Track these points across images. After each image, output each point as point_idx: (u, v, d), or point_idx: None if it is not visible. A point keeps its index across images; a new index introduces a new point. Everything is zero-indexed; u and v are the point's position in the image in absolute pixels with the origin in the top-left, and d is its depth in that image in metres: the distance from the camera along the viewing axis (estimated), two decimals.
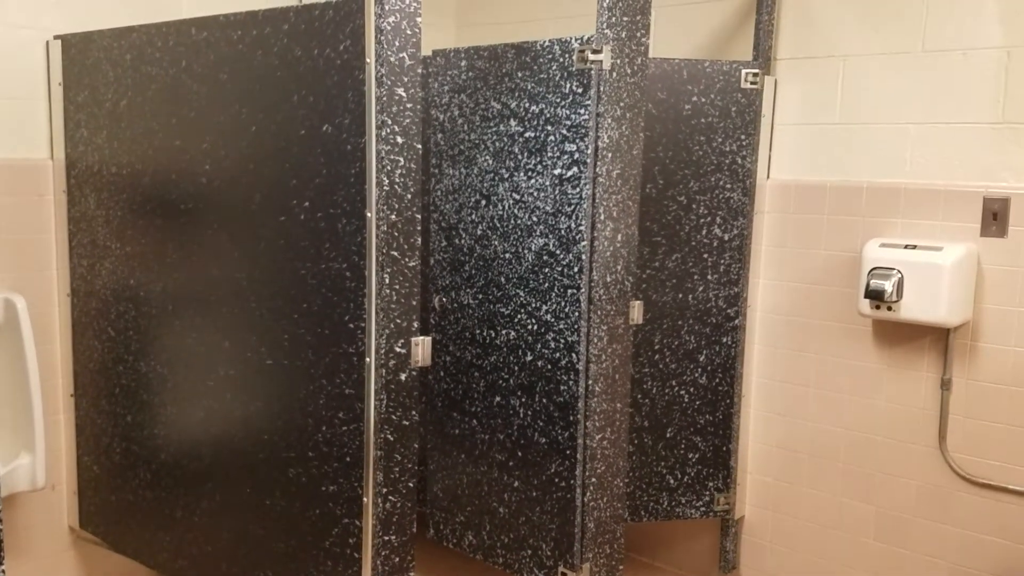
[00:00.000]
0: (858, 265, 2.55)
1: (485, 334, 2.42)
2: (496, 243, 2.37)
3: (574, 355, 2.23)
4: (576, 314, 2.22)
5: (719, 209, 2.71)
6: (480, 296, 2.43)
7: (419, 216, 1.79)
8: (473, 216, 2.43)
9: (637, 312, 2.32)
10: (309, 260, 1.88)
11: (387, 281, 1.75)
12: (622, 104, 2.20)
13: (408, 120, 1.75)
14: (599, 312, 2.22)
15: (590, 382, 2.23)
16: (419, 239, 1.79)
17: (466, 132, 2.44)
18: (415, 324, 1.80)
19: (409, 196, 1.78)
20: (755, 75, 2.68)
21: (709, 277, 2.73)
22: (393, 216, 1.75)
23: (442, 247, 2.53)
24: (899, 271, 2.39)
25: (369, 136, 1.74)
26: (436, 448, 2.59)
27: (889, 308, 2.42)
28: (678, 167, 2.67)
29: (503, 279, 2.37)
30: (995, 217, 2.34)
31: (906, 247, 2.42)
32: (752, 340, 2.84)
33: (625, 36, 2.20)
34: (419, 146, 1.77)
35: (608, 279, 2.23)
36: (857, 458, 2.66)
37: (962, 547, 2.49)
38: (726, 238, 2.72)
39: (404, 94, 1.74)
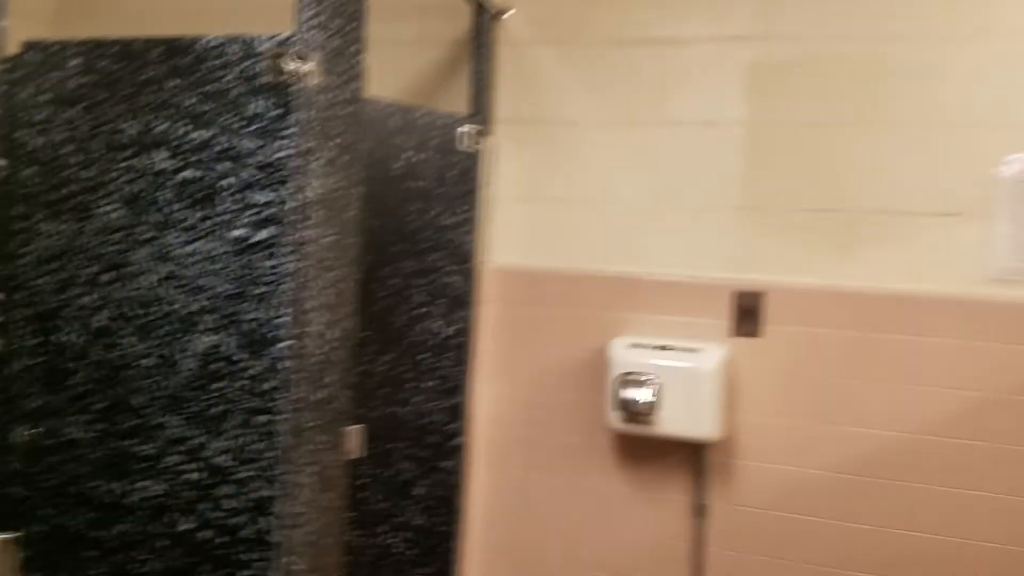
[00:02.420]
0: (602, 368, 2.11)
1: (109, 488, 1.50)
2: (131, 341, 1.50)
3: (267, 519, 1.42)
4: (271, 454, 1.43)
5: (440, 297, 2.12)
6: (101, 427, 1.51)
7: None
8: (90, 298, 1.52)
9: (356, 440, 1.60)
10: None
11: None
12: (338, 141, 1.52)
13: None
14: (306, 448, 1.46)
15: (292, 560, 1.44)
16: None
17: (79, 166, 1.55)
18: None
19: None
20: (476, 134, 2.18)
21: (427, 384, 2.10)
22: None
23: (31, 347, 1.56)
24: (655, 377, 1.99)
25: None
26: None
27: (645, 422, 2.00)
28: (391, 241, 2.03)
29: (142, 399, 1.49)
30: (748, 314, 2.06)
31: (661, 348, 2.04)
32: (477, 463, 2.25)
33: (339, 45, 1.54)
34: (1, 161, 0.91)
35: (318, 396, 1.49)
36: None
37: None
38: (448, 334, 2.13)
39: None
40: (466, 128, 2.16)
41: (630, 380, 1.99)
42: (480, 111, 2.22)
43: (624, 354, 2.03)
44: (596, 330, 2.16)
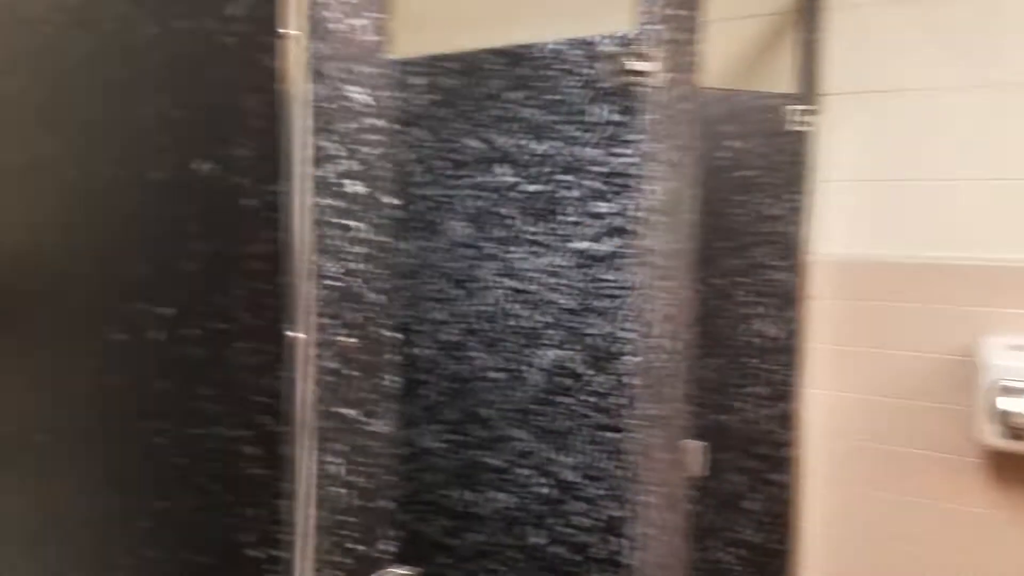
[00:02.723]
0: (967, 373, 1.85)
1: (460, 498, 1.55)
2: (479, 355, 1.52)
3: (618, 540, 1.38)
4: (620, 472, 1.38)
5: (766, 295, 1.97)
6: (451, 437, 1.56)
7: (396, 336, 0.92)
8: (438, 313, 1.57)
9: (698, 458, 1.52)
10: (169, 421, 0.97)
11: (339, 475, 0.87)
12: (679, 142, 1.43)
13: (377, 152, 0.91)
14: (654, 467, 1.40)
15: None
16: (396, 380, 0.93)
17: (425, 184, 1.59)
18: (387, 557, 0.92)
19: (374, 297, 0.92)
20: (806, 112, 1.99)
21: (754, 390, 1.97)
22: (348, 338, 0.88)
23: None
24: None
25: (296, 181, 0.88)
26: None
27: None
28: (714, 237, 1.92)
29: (492, 412, 1.51)
30: None
31: None
32: (813, 477, 2.08)
33: (678, 38, 1.44)
34: (395, 201, 0.93)
35: (661, 412, 1.42)
36: None
37: None
38: (775, 334, 1.98)
39: (368, 100, 0.90)
40: (796, 106, 1.98)
41: (1014, 388, 1.72)
42: (810, 85, 2.03)
43: (1002, 357, 1.76)
44: (954, 329, 1.90)
